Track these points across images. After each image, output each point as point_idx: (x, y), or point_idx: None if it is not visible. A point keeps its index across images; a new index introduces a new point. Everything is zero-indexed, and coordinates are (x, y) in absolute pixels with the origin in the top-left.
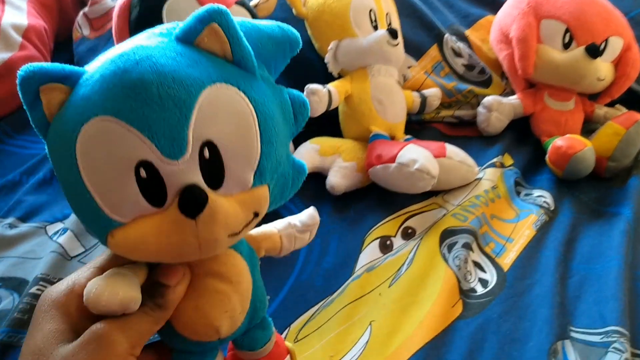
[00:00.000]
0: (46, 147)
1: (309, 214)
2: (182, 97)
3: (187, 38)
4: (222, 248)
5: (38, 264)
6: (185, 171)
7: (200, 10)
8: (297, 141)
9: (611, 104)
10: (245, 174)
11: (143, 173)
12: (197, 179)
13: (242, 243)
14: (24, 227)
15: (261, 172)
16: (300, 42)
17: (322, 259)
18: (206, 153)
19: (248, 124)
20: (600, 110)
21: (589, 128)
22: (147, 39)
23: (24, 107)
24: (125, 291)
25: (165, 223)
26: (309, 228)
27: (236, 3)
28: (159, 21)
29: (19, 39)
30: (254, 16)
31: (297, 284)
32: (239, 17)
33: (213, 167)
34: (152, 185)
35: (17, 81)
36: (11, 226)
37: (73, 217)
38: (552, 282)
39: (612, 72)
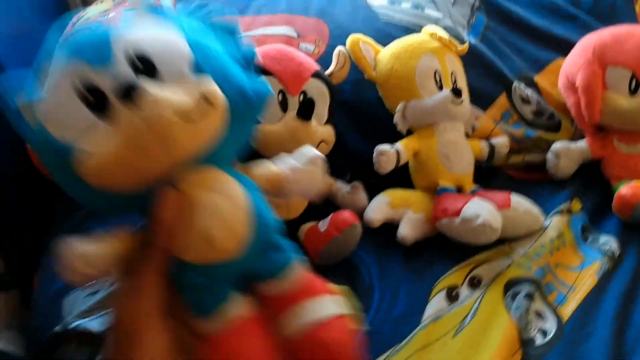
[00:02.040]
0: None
1: (304, 150)
2: (106, 30)
3: None
4: (180, 134)
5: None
6: (117, 75)
7: None
8: (371, 193)
9: None
10: (179, 65)
11: (80, 86)
12: (131, 78)
13: (234, 175)
14: None
15: (197, 66)
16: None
17: (392, 308)
18: (135, 57)
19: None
20: None
21: None
22: None
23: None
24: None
25: (112, 123)
26: (311, 160)
27: (312, 76)
28: None
29: None
30: (329, 86)
31: (369, 331)
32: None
33: (142, 62)
34: (92, 97)
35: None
36: None
37: None
38: (610, 333)
39: None
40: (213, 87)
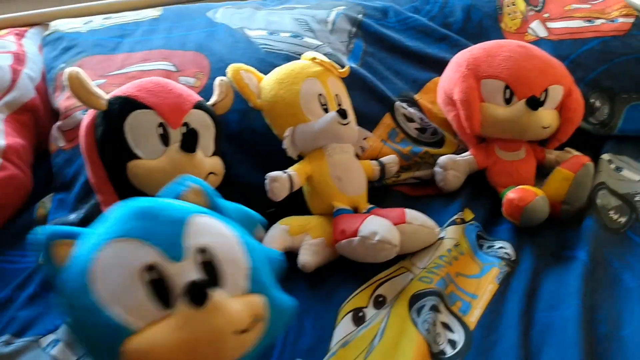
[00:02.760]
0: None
1: None
2: (177, 216)
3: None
4: (232, 345)
5: None
6: (187, 271)
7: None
8: (268, 219)
9: (561, 147)
10: (239, 277)
11: (150, 276)
12: (197, 276)
13: None
14: (19, 342)
15: (253, 279)
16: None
17: (299, 339)
18: (202, 256)
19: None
20: (551, 154)
21: (544, 172)
22: None
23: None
24: None
25: (179, 319)
26: None
27: (194, 107)
28: (122, 137)
29: None
30: (212, 116)
31: None
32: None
33: (209, 267)
34: (159, 287)
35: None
36: (7, 343)
37: (64, 327)
38: (516, 336)
39: (557, 118)
40: (263, 304)
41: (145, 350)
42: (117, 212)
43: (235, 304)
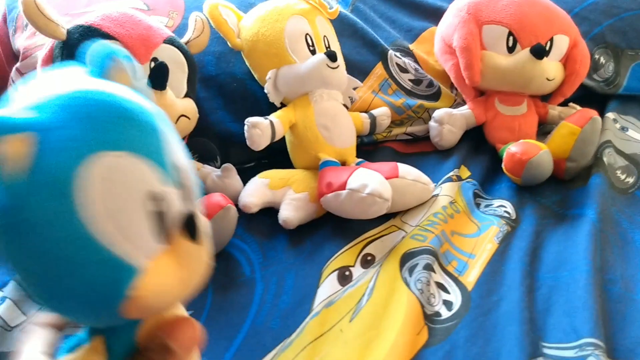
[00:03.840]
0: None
1: None
2: (153, 122)
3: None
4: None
5: None
6: (175, 197)
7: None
8: (246, 176)
9: (564, 103)
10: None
11: (153, 205)
12: (183, 205)
13: None
14: None
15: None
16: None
17: (278, 298)
18: (179, 177)
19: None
20: (554, 110)
21: (544, 130)
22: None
23: None
24: None
25: (179, 256)
26: None
27: (164, 42)
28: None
29: None
30: (185, 54)
31: (253, 328)
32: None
33: (190, 191)
34: (158, 219)
35: None
36: None
37: (12, 284)
38: (519, 297)
39: (561, 71)
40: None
41: (154, 295)
42: (83, 103)
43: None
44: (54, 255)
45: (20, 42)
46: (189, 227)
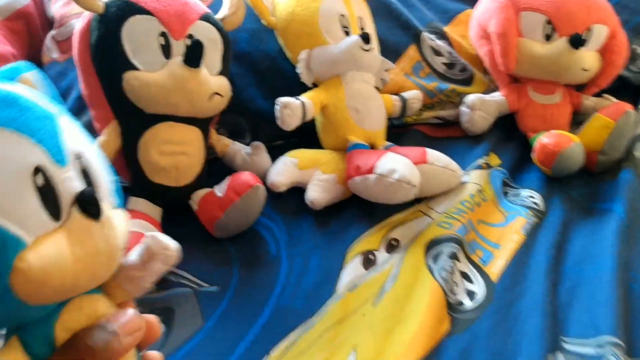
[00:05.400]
0: None
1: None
2: (45, 109)
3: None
4: (117, 264)
5: None
6: (73, 178)
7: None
8: (275, 154)
9: (599, 94)
10: (108, 190)
11: (40, 180)
12: (84, 186)
13: None
14: None
15: (117, 194)
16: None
17: (301, 278)
18: (79, 162)
19: (94, 148)
20: (589, 101)
21: (577, 120)
22: None
23: None
24: None
25: (73, 233)
26: (152, 257)
27: (200, 18)
28: (119, 44)
29: None
30: (220, 31)
31: (277, 307)
32: None
33: (89, 177)
34: (48, 195)
35: None
36: None
37: None
38: (543, 290)
39: (598, 61)
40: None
41: (42, 267)
42: None
43: (118, 219)
44: None
45: (55, 8)
46: (83, 202)
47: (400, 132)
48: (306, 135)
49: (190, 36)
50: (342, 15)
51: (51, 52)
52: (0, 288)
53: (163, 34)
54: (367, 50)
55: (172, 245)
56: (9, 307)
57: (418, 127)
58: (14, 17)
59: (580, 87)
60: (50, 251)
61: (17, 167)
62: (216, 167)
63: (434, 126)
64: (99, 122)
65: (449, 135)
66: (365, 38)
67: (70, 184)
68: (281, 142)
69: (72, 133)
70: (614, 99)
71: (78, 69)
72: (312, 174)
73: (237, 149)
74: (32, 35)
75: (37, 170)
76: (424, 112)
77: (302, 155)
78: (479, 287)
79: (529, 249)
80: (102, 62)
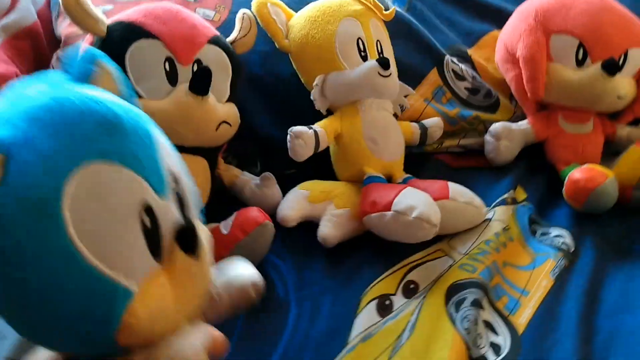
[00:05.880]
0: None
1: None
2: (145, 128)
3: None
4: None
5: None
6: (172, 209)
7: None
8: (286, 184)
9: (634, 123)
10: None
11: (147, 220)
12: (180, 217)
13: None
14: None
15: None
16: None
17: (311, 326)
18: (176, 186)
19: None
20: (623, 130)
21: (610, 151)
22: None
23: None
24: None
25: (175, 275)
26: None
27: (209, 42)
28: (122, 70)
29: None
30: (230, 55)
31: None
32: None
33: (186, 199)
34: (153, 234)
35: None
36: None
37: None
38: (576, 343)
39: (634, 88)
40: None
41: (149, 319)
42: (58, 113)
43: (205, 239)
44: (42, 281)
45: (62, 28)
46: (185, 240)
47: (420, 161)
48: (321, 163)
49: (198, 61)
50: (359, 39)
51: None
52: (104, 337)
53: (169, 59)
54: (385, 76)
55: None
56: (104, 350)
57: (438, 157)
58: (19, 36)
59: (614, 115)
60: (156, 300)
61: (125, 210)
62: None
63: (455, 155)
64: None
65: (472, 166)
66: (384, 63)
67: (171, 216)
68: (294, 171)
69: (165, 149)
70: None
71: None
72: (325, 208)
73: (246, 180)
74: (39, 54)
75: (143, 208)
76: (445, 141)
77: (314, 187)
78: (504, 340)
79: (559, 296)
80: None
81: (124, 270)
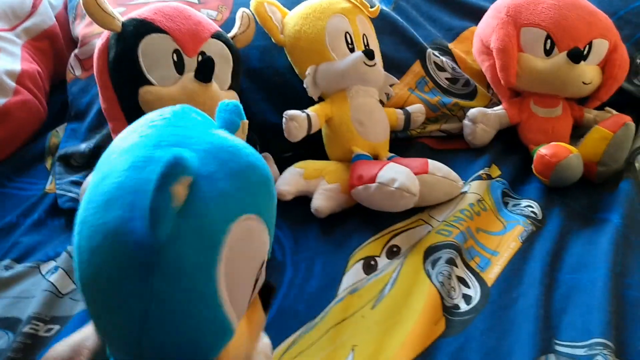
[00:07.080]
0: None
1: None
2: (273, 187)
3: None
4: None
5: (31, 302)
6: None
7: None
8: (284, 165)
9: (601, 107)
10: None
11: (259, 274)
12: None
13: None
14: (19, 267)
15: None
16: None
17: (306, 282)
18: None
19: None
20: (590, 114)
21: (579, 133)
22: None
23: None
24: None
25: (248, 316)
26: None
27: (212, 36)
28: (135, 60)
29: (12, 84)
30: (231, 48)
31: (280, 310)
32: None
33: None
34: (254, 289)
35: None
36: (7, 268)
37: (64, 255)
38: (537, 295)
39: (599, 75)
40: None
41: (236, 353)
42: (233, 159)
43: None
44: (182, 302)
45: (79, 29)
46: (266, 294)
47: (405, 145)
48: (314, 147)
49: (202, 53)
50: (347, 33)
51: (74, 69)
52: None
53: (176, 51)
54: (370, 66)
55: None
56: None
57: (422, 140)
58: (40, 37)
59: (583, 101)
60: (240, 339)
61: (256, 264)
62: None
63: (438, 139)
64: (116, 133)
65: (453, 148)
66: (369, 54)
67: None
68: (290, 154)
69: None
70: (615, 112)
71: (97, 85)
72: (318, 183)
73: None
74: (57, 54)
75: (263, 261)
76: (428, 126)
77: (308, 166)
78: (475, 292)
79: (525, 255)
80: (119, 77)
81: (237, 311)
